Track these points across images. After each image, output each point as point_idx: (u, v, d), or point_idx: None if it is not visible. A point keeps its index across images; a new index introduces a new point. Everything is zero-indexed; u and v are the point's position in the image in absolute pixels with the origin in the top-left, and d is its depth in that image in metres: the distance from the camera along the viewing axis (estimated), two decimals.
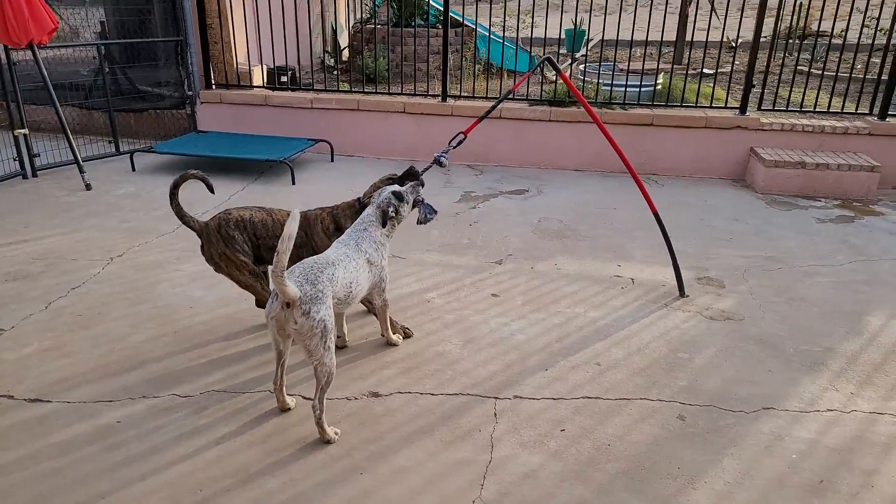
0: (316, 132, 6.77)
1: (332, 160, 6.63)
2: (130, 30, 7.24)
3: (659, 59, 6.63)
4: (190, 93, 6.98)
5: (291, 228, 2.25)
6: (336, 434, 2.58)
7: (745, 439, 2.61)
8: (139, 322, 3.44)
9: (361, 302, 3.15)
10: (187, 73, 6.92)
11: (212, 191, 3.35)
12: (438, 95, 6.69)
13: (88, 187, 5.59)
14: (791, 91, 6.49)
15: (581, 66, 8.16)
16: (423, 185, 3.07)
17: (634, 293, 3.87)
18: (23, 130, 5.76)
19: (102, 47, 6.82)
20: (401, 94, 6.89)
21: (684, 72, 7.58)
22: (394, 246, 4.38)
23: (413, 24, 8.07)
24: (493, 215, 5.14)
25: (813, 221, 5.12)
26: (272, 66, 7.36)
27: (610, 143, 3.77)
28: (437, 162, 3.39)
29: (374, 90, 7.06)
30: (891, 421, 2.75)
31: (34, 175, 5.89)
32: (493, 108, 3.70)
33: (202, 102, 7.00)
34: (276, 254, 2.26)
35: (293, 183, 5.82)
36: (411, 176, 3.15)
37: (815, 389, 2.95)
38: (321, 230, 3.16)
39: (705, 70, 8.75)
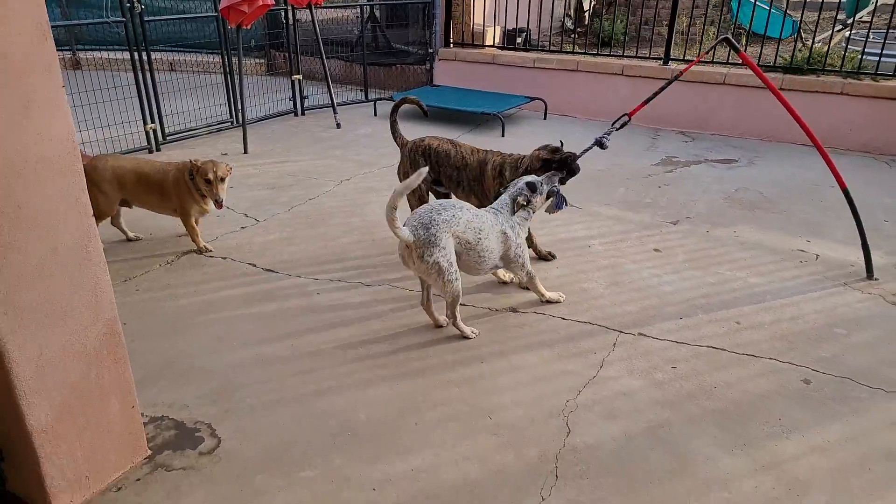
0: (535, 90, 7.16)
1: (546, 118, 6.99)
2: None
3: None
4: (431, 50, 7.83)
5: (408, 182, 2.56)
6: (474, 333, 3.05)
7: (869, 412, 2.50)
8: (350, 229, 4.25)
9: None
10: (431, 33, 7.77)
11: (426, 114, 3.99)
12: (660, 59, 6.61)
13: (338, 126, 6.72)
14: None
15: (847, 34, 7.31)
16: (576, 172, 3.27)
17: (813, 268, 3.67)
18: (297, 76, 7.09)
19: (367, 9, 7.98)
20: (622, 55, 6.93)
21: None
22: (573, 197, 4.66)
23: None
24: (686, 179, 5.10)
25: None
26: (511, 29, 7.88)
27: (788, 110, 3.54)
28: (599, 144, 3.54)
29: (595, 52, 7.18)
30: None
31: (303, 113, 7.22)
32: (662, 90, 3.71)
33: (439, 59, 7.81)
34: (391, 197, 2.53)
35: (503, 135, 6.32)
36: (565, 162, 3.34)
37: None
38: (490, 170, 3.58)
39: None
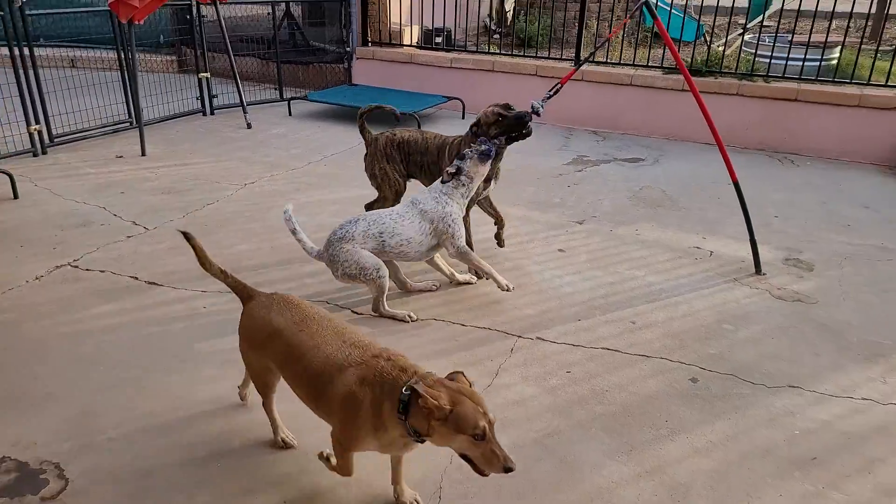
0: (453, 90, 7.11)
1: (464, 117, 6.96)
2: None
3: (847, 32, 6.01)
4: (348, 49, 7.67)
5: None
6: (410, 317, 3.15)
7: (752, 409, 2.56)
8: (248, 236, 4.07)
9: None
10: (348, 31, 7.61)
11: (397, 118, 3.92)
12: (571, 60, 6.69)
13: (249, 126, 6.47)
14: None
15: (748, 37, 7.62)
16: (528, 131, 3.37)
17: (707, 265, 3.77)
18: (205, 74, 6.78)
19: (282, 6, 7.73)
20: (535, 56, 6.98)
21: (874, 48, 6.76)
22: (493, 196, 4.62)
23: None
24: (595, 179, 5.16)
25: None
26: (429, 28, 7.80)
27: (701, 108, 3.64)
28: (534, 110, 3.55)
29: (510, 53, 7.20)
30: None
31: (212, 113, 6.93)
32: (588, 58, 4.03)
33: (357, 58, 7.66)
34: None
35: None
36: (520, 118, 3.38)
37: (859, 378, 2.75)
38: (448, 151, 3.57)
39: None
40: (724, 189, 4.96)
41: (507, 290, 3.24)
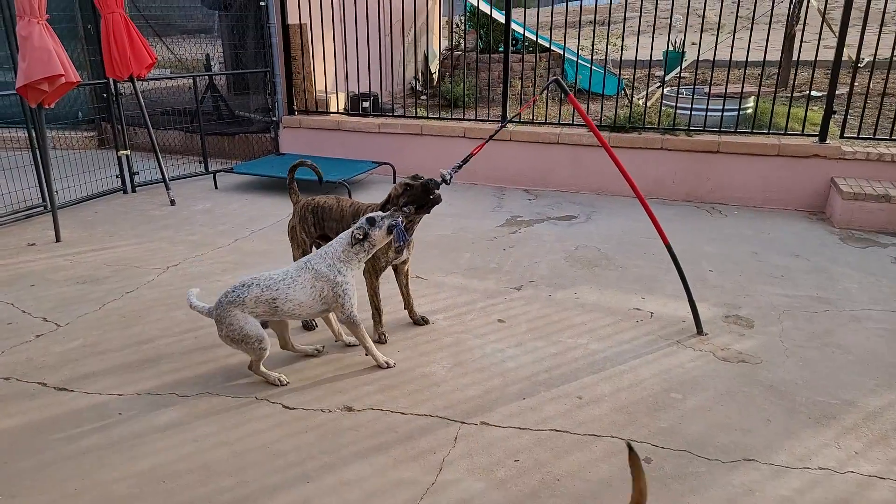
0: (383, 155, 7.06)
1: (395, 182, 6.87)
2: (227, 62, 8.00)
3: (760, 82, 6.30)
4: (274, 118, 7.55)
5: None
6: (280, 381, 3.17)
7: (709, 489, 2.45)
8: (170, 326, 3.79)
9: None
10: (273, 100, 7.50)
11: (321, 181, 3.95)
12: (497, 120, 6.77)
13: (173, 202, 6.20)
14: (879, 116, 5.90)
15: (666, 90, 7.92)
16: (437, 199, 3.30)
17: (648, 327, 3.72)
18: (125, 152, 6.50)
19: (204, 79, 7.58)
20: (462, 119, 7.03)
21: (788, 95, 7.12)
22: (419, 266, 4.51)
23: (499, 50, 8.22)
24: (530, 240, 5.12)
25: (888, 261, 4.64)
26: (356, 93, 7.78)
27: (616, 165, 3.65)
28: (443, 179, 3.46)
29: (437, 116, 7.23)
30: (890, 486, 2.46)
31: (133, 191, 6.62)
32: (498, 131, 3.95)
33: (284, 127, 7.54)
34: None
35: None
36: (426, 187, 3.31)
37: (814, 445, 2.70)
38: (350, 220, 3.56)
39: (813, 93, 8.14)
40: (658, 244, 4.96)
41: (388, 367, 3.30)
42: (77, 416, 2.94)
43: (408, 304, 3.78)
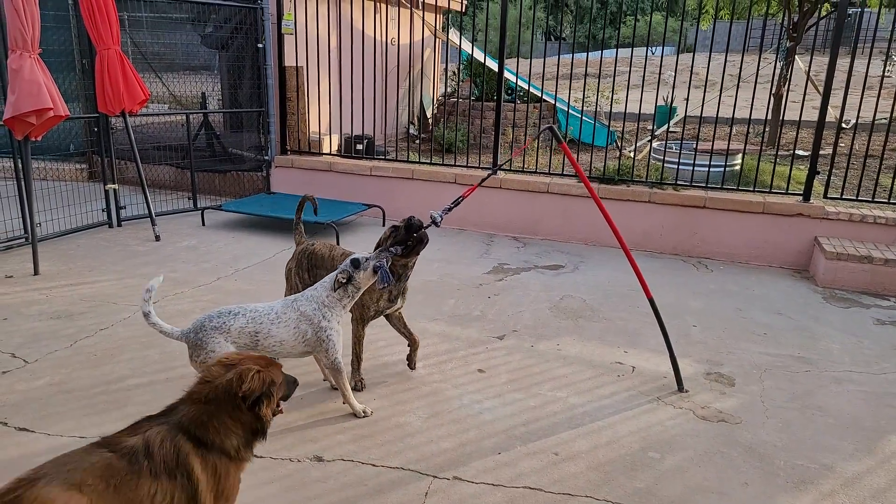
0: (373, 198, 7.08)
1: (385, 224, 6.88)
2: (224, 100, 8.09)
3: (746, 139, 6.40)
4: (266, 157, 7.59)
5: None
6: None
7: None
8: (142, 366, 3.70)
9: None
10: (266, 139, 7.56)
11: (315, 212, 4.19)
12: (488, 167, 6.82)
13: (158, 238, 6.16)
14: (862, 177, 5.98)
15: (655, 144, 8.03)
16: (424, 240, 3.27)
17: (629, 382, 3.66)
18: (113, 185, 6.49)
19: (198, 115, 7.64)
20: (454, 164, 7.09)
21: (774, 153, 7.23)
22: (405, 312, 4.45)
23: (493, 98, 8.35)
24: (516, 289, 5.09)
25: (870, 322, 4.63)
26: (350, 135, 7.84)
27: (604, 216, 3.67)
28: (433, 220, 3.46)
29: (429, 160, 7.29)
30: None
31: (119, 225, 6.58)
32: (488, 177, 4.01)
33: (276, 166, 7.57)
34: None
35: (337, 243, 6.08)
36: (411, 227, 3.29)
37: None
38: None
39: (798, 152, 8.27)
40: (641, 297, 4.98)
41: (365, 416, 3.24)
42: (34, 459, 2.81)
43: (412, 343, 3.68)
